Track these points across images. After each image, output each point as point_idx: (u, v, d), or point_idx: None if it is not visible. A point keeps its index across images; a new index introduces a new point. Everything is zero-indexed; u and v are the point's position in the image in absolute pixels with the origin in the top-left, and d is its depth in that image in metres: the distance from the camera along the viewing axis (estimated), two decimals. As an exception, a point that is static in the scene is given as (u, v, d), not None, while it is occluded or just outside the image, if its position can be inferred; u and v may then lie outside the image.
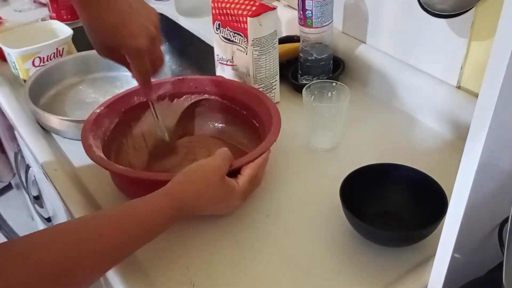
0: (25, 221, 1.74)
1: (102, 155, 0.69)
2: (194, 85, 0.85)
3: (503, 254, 0.40)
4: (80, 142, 0.70)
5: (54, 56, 1.02)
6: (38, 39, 1.01)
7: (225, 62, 0.92)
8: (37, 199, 1.27)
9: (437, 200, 0.62)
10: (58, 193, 0.74)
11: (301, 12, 0.89)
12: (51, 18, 1.25)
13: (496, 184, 0.44)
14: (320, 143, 0.82)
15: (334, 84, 0.81)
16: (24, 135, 0.87)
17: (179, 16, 1.28)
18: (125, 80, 1.03)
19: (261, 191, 0.73)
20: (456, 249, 0.43)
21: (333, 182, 0.67)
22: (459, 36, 0.78)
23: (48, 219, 1.27)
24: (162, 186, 0.60)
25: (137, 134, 0.82)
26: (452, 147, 0.81)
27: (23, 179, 1.26)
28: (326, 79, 0.92)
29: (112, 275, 0.61)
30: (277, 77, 0.92)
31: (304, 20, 0.89)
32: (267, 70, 0.89)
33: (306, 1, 0.86)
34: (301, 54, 0.94)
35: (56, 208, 1.10)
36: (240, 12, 0.83)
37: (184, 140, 0.85)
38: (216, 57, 0.94)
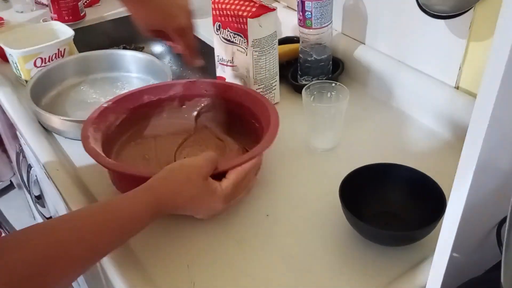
0: (26, 221, 1.74)
1: (97, 147, 0.68)
2: (204, 88, 0.84)
3: (501, 253, 0.40)
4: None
5: (55, 57, 1.02)
6: (40, 40, 1.02)
7: (225, 63, 0.92)
8: (39, 199, 1.27)
9: (435, 199, 0.63)
10: (60, 193, 0.75)
11: (301, 13, 0.89)
12: (52, 19, 1.25)
13: (495, 184, 0.44)
14: (319, 143, 0.82)
15: (333, 84, 0.81)
16: (26, 135, 0.87)
17: (179, 16, 1.28)
18: (126, 81, 1.03)
19: (261, 191, 0.73)
20: (455, 248, 0.43)
21: (333, 182, 0.68)
22: (458, 37, 0.79)
23: (50, 219, 1.27)
24: None
25: (149, 143, 0.81)
26: (451, 147, 0.81)
27: (25, 178, 1.26)
28: (325, 79, 0.92)
29: (113, 274, 0.61)
30: (277, 77, 0.92)
31: (304, 21, 0.89)
32: (267, 70, 0.89)
33: (305, 2, 0.87)
34: (300, 55, 0.95)
35: (58, 208, 1.10)
36: (240, 13, 0.84)
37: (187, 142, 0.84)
38: (216, 58, 0.94)
